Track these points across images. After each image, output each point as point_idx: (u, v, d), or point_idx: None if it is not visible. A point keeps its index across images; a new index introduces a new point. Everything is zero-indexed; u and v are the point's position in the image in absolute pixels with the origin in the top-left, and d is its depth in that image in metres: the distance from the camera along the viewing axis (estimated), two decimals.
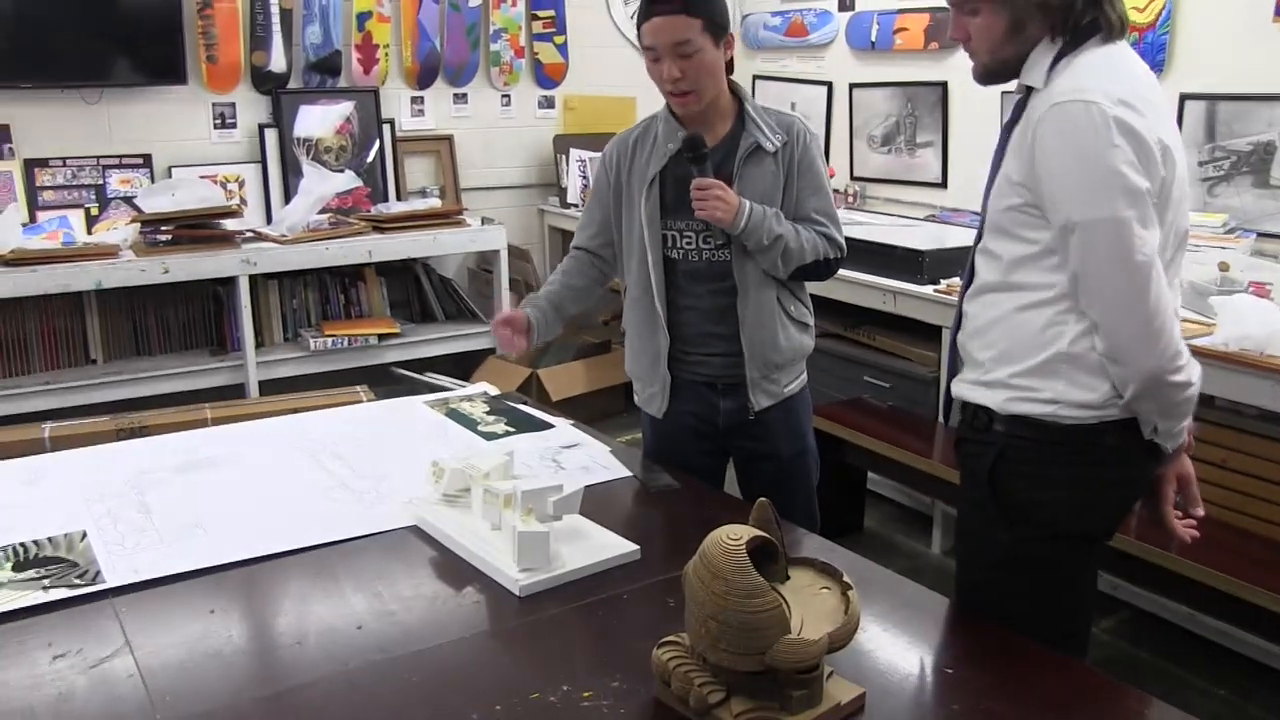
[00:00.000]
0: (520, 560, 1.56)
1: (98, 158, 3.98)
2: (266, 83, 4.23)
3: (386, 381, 3.77)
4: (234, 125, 4.22)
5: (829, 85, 4.54)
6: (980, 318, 1.60)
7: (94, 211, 3.98)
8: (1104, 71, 1.47)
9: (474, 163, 4.73)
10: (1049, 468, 1.54)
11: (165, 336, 4.03)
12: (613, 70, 4.82)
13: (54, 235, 3.75)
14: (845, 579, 1.29)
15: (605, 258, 2.21)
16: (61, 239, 3.73)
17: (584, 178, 4.52)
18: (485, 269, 4.56)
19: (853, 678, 1.30)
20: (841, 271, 2.16)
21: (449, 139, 4.65)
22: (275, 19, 4.18)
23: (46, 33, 3.73)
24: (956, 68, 3.96)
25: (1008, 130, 1.57)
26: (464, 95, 4.68)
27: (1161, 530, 1.66)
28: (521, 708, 1.26)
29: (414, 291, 4.51)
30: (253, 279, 3.88)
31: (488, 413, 2.35)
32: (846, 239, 2.14)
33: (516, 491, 1.63)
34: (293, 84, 4.29)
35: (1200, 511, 1.67)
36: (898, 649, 1.44)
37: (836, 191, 4.29)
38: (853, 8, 4.39)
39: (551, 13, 4.77)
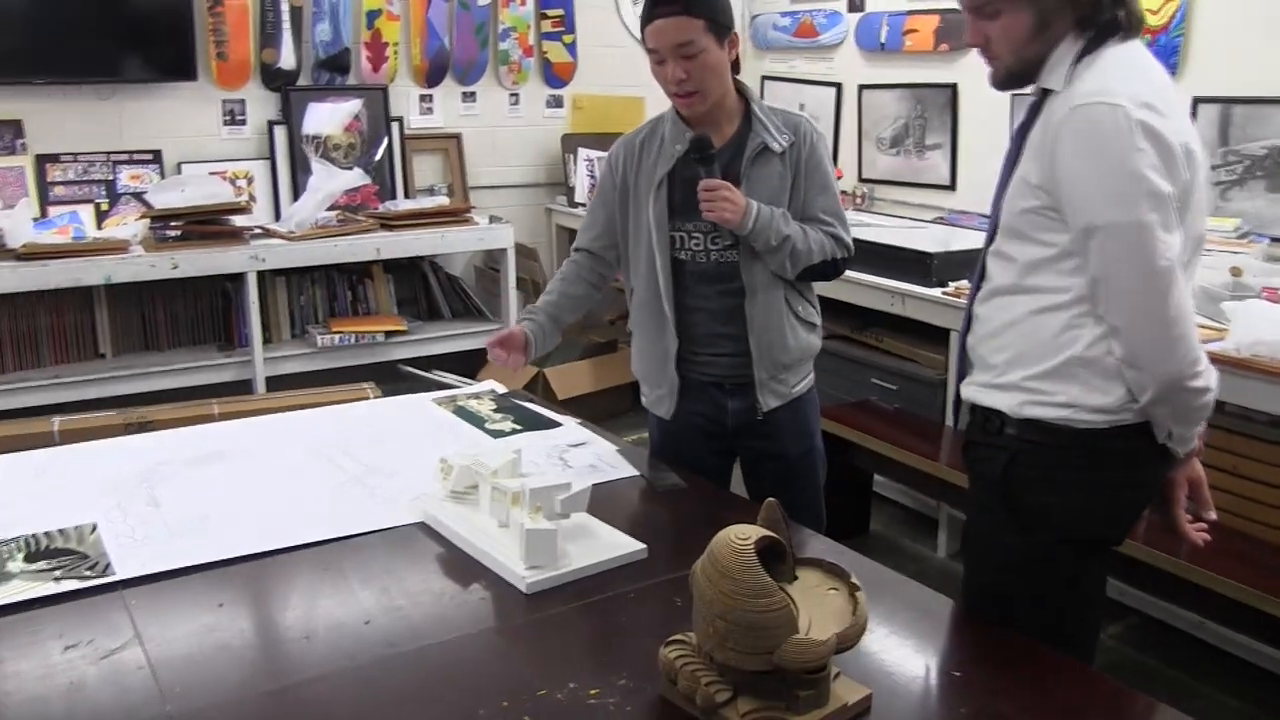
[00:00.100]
0: (528, 558, 1.56)
1: (108, 153, 3.99)
2: (276, 80, 4.24)
3: (393, 379, 3.77)
4: (243, 122, 4.24)
5: (838, 86, 4.54)
6: (993, 320, 1.60)
7: (104, 207, 3.99)
8: (1126, 73, 1.46)
9: (482, 161, 4.74)
10: (1061, 472, 1.54)
11: (174, 332, 4.04)
12: (621, 70, 4.83)
13: (64, 230, 3.76)
14: (853, 580, 1.30)
15: (607, 259, 2.21)
16: (72, 234, 3.74)
17: (592, 177, 4.52)
18: (492, 267, 4.57)
19: (859, 679, 1.30)
20: (849, 273, 2.16)
21: (457, 137, 4.66)
22: (285, 16, 4.19)
23: (59, 29, 3.75)
24: (966, 69, 3.95)
25: (1021, 132, 1.56)
26: (472, 94, 4.68)
27: (1172, 534, 1.66)
28: (528, 704, 1.27)
29: (421, 289, 4.52)
30: (261, 275, 3.89)
31: (495, 410, 2.35)
32: (854, 241, 2.14)
33: (524, 489, 1.63)
34: (302, 81, 4.30)
35: (1212, 515, 1.67)
36: (904, 651, 1.44)
37: (844, 193, 4.30)
38: (862, 9, 4.39)
39: (560, 12, 4.78)
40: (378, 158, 4.43)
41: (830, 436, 2.68)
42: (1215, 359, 1.60)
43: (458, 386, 2.58)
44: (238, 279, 3.87)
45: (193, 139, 4.14)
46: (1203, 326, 2.44)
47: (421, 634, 1.44)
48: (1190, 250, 1.50)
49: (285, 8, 4.18)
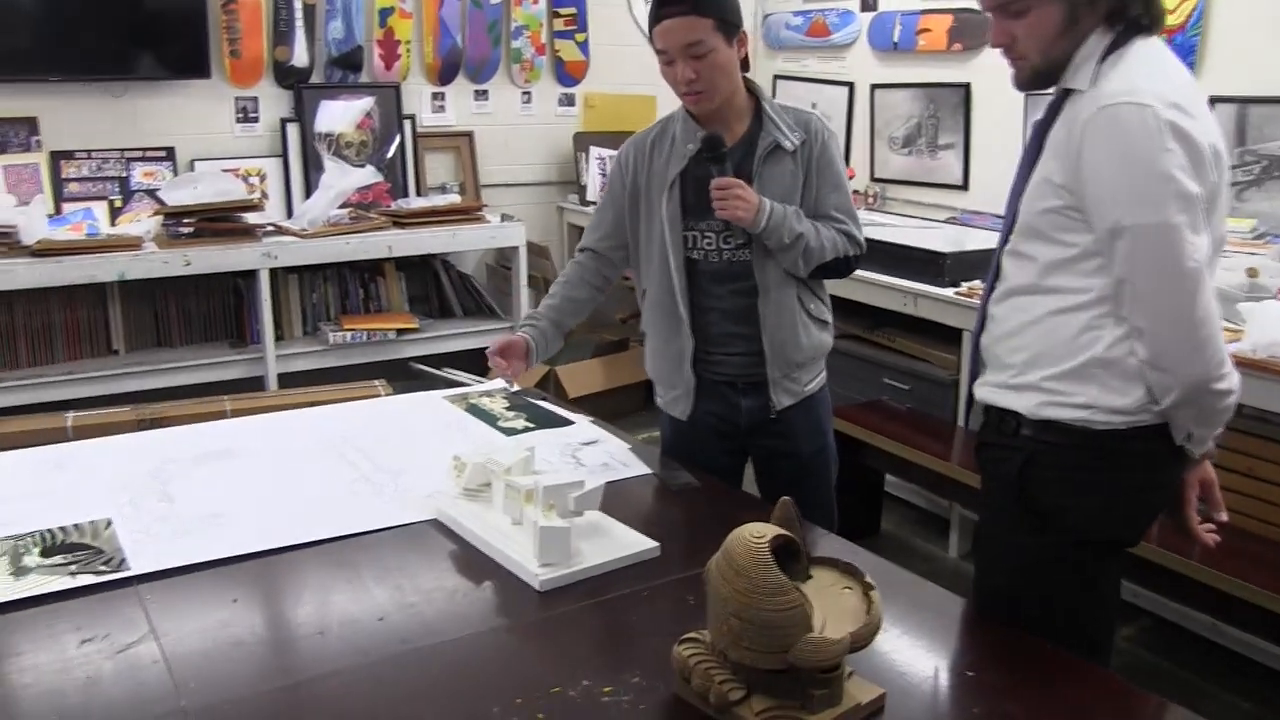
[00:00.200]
0: (541, 555, 1.56)
1: (122, 150, 4.01)
2: (289, 77, 4.25)
3: (404, 376, 3.78)
4: (256, 119, 4.25)
5: (850, 86, 4.53)
6: (1009, 321, 1.59)
7: (118, 204, 4.01)
8: (1152, 72, 1.44)
9: (494, 159, 4.74)
10: (1079, 473, 1.53)
11: (186, 328, 4.05)
12: (633, 68, 4.82)
13: (78, 227, 3.78)
14: (867, 579, 1.29)
15: (613, 260, 2.21)
16: (85, 231, 3.76)
17: (603, 175, 4.52)
18: (504, 265, 4.57)
19: (872, 678, 1.30)
20: (862, 273, 2.15)
21: (469, 135, 4.66)
22: (298, 14, 4.20)
23: (73, 27, 3.77)
24: (979, 69, 3.94)
25: (1040, 131, 1.55)
26: (485, 92, 4.69)
27: (1184, 535, 1.65)
28: (542, 701, 1.27)
29: (433, 287, 4.53)
30: (273, 272, 3.90)
31: (507, 408, 2.35)
32: (867, 240, 2.13)
33: (538, 487, 1.63)
34: (315, 79, 4.31)
35: (1223, 516, 1.66)
36: (917, 651, 1.43)
37: (856, 192, 4.29)
38: (875, 8, 4.38)
39: (573, 10, 4.78)
40: (390, 155, 4.44)
41: (842, 436, 2.68)
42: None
43: (469, 384, 2.58)
44: (250, 276, 3.89)
45: (206, 136, 4.16)
46: None
47: (435, 631, 1.44)
48: (1212, 251, 1.50)
49: (298, 6, 4.19)
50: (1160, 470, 1.56)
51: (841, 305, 2.52)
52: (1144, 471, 1.54)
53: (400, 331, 4.16)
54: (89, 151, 3.95)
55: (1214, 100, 3.10)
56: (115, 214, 3.99)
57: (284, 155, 4.27)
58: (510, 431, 2.21)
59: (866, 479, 3.46)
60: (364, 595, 1.53)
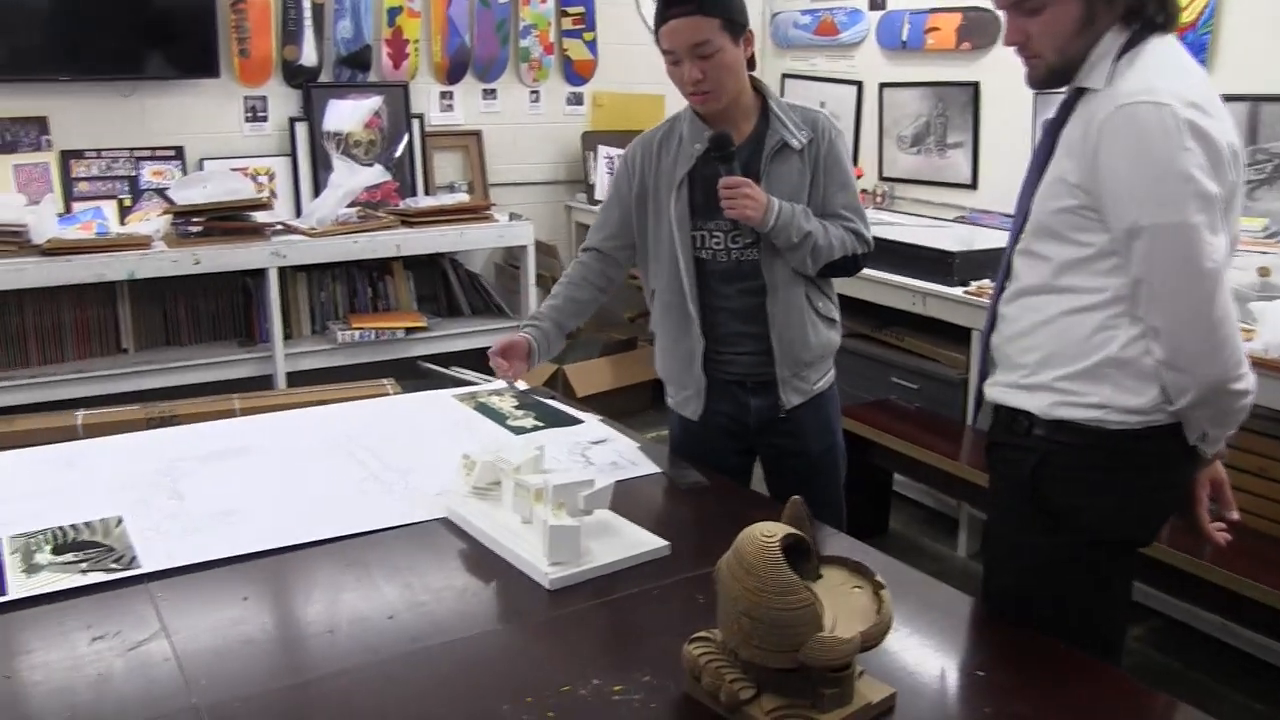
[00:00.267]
0: (551, 554, 1.56)
1: (131, 149, 4.01)
2: (297, 77, 4.26)
3: (412, 375, 3.78)
4: (265, 119, 4.25)
5: (859, 85, 4.52)
6: (1021, 320, 1.58)
7: (127, 203, 4.02)
8: (1169, 70, 1.44)
9: (502, 158, 4.74)
10: (1092, 473, 1.53)
11: (195, 327, 4.06)
12: (642, 67, 4.81)
13: (88, 226, 3.78)
14: (878, 578, 1.29)
15: (618, 260, 2.20)
16: (95, 229, 3.77)
17: (612, 174, 4.51)
18: (512, 264, 4.57)
19: (883, 677, 1.30)
20: (870, 272, 2.15)
21: (477, 134, 4.67)
22: (307, 14, 4.20)
23: (83, 27, 3.77)
24: (988, 68, 3.93)
25: (1052, 131, 1.54)
26: (493, 91, 4.69)
27: (1194, 534, 1.65)
28: (551, 700, 1.27)
29: (441, 286, 4.53)
30: (282, 271, 3.90)
31: (516, 407, 2.36)
32: (875, 239, 2.13)
33: (548, 485, 1.63)
34: (323, 78, 4.31)
35: (1234, 515, 1.66)
36: (927, 650, 1.43)
37: (865, 191, 4.29)
38: (883, 7, 4.37)
39: (581, 9, 4.78)
40: (398, 154, 4.45)
41: (850, 435, 2.67)
42: None
43: (477, 383, 2.59)
44: (259, 275, 3.89)
45: (215, 135, 4.16)
46: None
47: (445, 629, 1.44)
48: (1229, 251, 1.49)
49: (307, 5, 4.19)
50: (1173, 469, 1.55)
51: (850, 304, 2.51)
52: (1158, 471, 1.53)
53: (409, 330, 4.16)
54: (98, 151, 3.96)
55: (1225, 99, 3.07)
56: (125, 213, 3.99)
57: (293, 154, 4.27)
58: (519, 430, 2.21)
59: (875, 478, 3.45)
60: (374, 593, 1.54)
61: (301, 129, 4.27)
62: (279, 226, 3.99)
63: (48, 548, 1.64)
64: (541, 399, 2.43)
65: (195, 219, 3.79)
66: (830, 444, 2.19)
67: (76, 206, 3.91)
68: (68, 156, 3.91)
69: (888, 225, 3.78)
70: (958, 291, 3.21)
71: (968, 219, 4.03)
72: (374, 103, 4.36)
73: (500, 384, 2.54)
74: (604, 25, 4.84)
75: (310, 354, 4.03)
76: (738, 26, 1.96)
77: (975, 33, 3.96)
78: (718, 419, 2.14)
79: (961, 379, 3.29)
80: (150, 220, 3.89)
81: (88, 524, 1.73)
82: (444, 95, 4.58)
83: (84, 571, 1.57)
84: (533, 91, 4.78)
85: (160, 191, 4.01)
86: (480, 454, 1.82)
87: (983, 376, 1.70)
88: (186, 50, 3.98)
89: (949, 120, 4.14)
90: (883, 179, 4.44)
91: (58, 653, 1.37)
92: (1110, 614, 1.61)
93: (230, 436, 2.17)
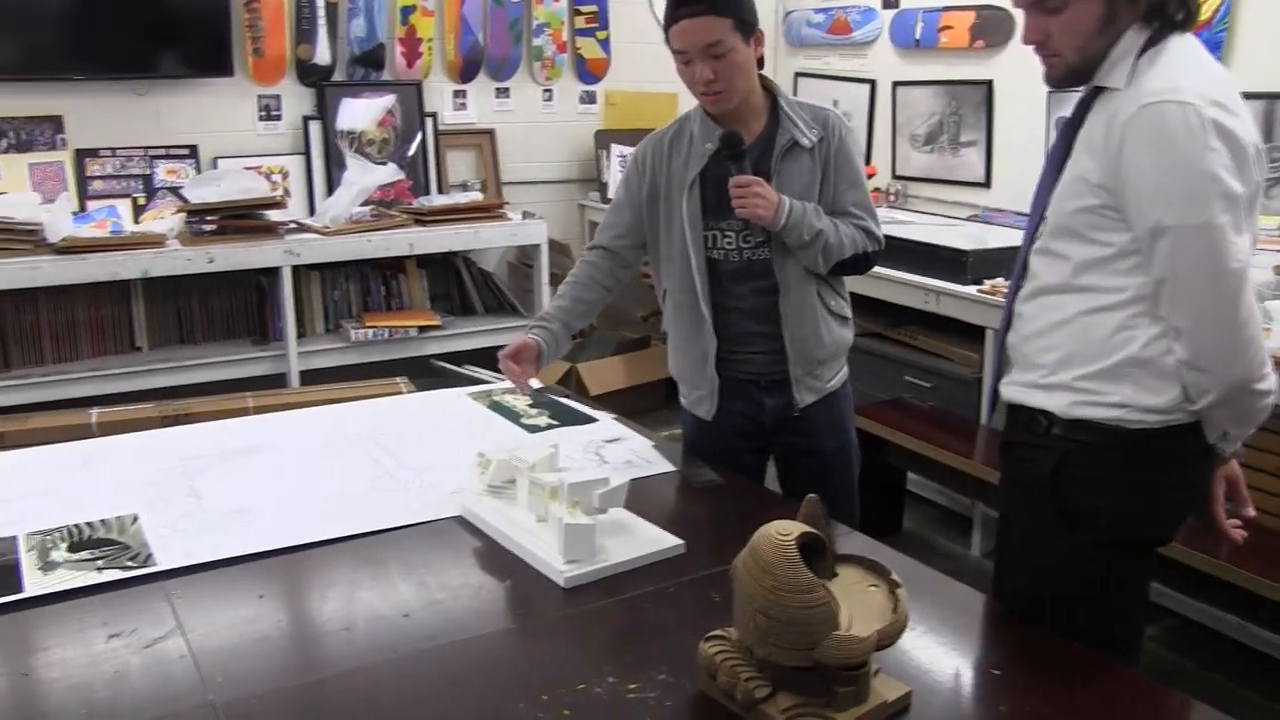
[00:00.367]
0: (566, 552, 1.57)
1: (145, 148, 4.03)
2: (311, 75, 4.27)
3: (426, 373, 3.79)
4: (279, 117, 4.27)
5: (872, 83, 4.51)
6: (1039, 320, 1.57)
7: (141, 201, 4.04)
8: (1192, 69, 1.42)
9: (515, 157, 4.75)
10: (1113, 473, 1.52)
11: (209, 325, 4.08)
12: (654, 66, 4.79)
13: (102, 224, 3.80)
14: (893, 577, 1.29)
15: (628, 259, 2.19)
16: (109, 228, 3.79)
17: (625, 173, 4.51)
18: (525, 263, 4.58)
19: (898, 676, 1.29)
20: (883, 270, 2.14)
21: (491, 133, 4.67)
22: (320, 12, 4.22)
23: (97, 26, 3.79)
24: (1002, 66, 3.92)
25: (1069, 130, 1.53)
26: (506, 89, 4.69)
27: (1211, 533, 1.64)
28: (567, 698, 1.27)
29: (454, 284, 4.53)
30: (295, 270, 3.91)
31: (530, 405, 2.36)
32: (888, 238, 2.12)
33: (563, 484, 1.63)
34: (337, 77, 4.32)
35: (1250, 512, 1.65)
36: (943, 649, 1.43)
37: (878, 190, 4.28)
38: (897, 5, 4.36)
39: (594, 8, 4.78)
40: (411, 153, 4.45)
41: (863, 434, 2.66)
42: None
43: (491, 381, 2.59)
44: (272, 273, 3.90)
45: (228, 134, 4.18)
46: None
47: (460, 627, 1.44)
48: (1251, 250, 1.48)
49: (320, 4, 4.21)
50: (1192, 468, 1.55)
51: (863, 303, 2.51)
52: (1177, 470, 1.53)
53: (422, 329, 4.17)
54: (113, 149, 3.98)
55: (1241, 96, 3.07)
56: (139, 211, 4.01)
57: (306, 153, 4.28)
58: (534, 428, 2.21)
59: (888, 477, 3.45)
60: (389, 591, 1.54)
61: (315, 128, 4.28)
62: (293, 225, 4.01)
63: (64, 545, 1.65)
64: (555, 397, 2.43)
65: (209, 217, 3.81)
66: (844, 442, 2.18)
67: (91, 205, 3.93)
68: (82, 155, 3.93)
69: (901, 224, 3.77)
70: (971, 290, 3.20)
71: (981, 217, 4.01)
72: (387, 101, 4.37)
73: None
74: (617, 24, 4.84)
75: (324, 352, 4.04)
76: (749, 26, 1.95)
77: (989, 31, 3.94)
78: (731, 418, 2.13)
79: (975, 378, 3.28)
80: (164, 219, 3.91)
81: (103, 521, 1.74)
82: (457, 94, 4.59)
83: (100, 569, 1.57)
84: (546, 90, 4.78)
85: (174, 190, 4.03)
86: (495, 452, 1.82)
87: (998, 375, 1.69)
88: (200, 49, 4.00)
89: (962, 119, 4.12)
90: (896, 177, 4.43)
91: (74, 650, 1.38)
92: (1129, 614, 1.60)
93: (244, 435, 2.18)
